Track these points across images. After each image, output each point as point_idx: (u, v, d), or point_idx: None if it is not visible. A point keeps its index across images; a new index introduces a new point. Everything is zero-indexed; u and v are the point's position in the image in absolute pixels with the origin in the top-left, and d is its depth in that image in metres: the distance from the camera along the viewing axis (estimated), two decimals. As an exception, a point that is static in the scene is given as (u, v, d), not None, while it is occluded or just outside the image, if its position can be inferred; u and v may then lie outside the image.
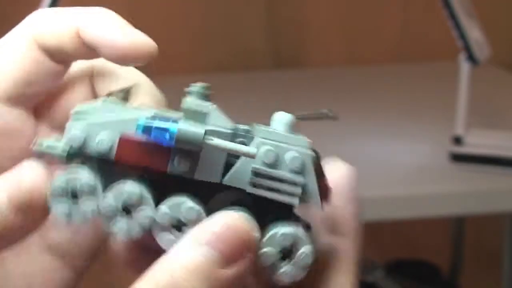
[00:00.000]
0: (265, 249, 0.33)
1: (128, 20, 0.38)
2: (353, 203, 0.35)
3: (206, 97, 0.34)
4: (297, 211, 0.34)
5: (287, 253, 0.33)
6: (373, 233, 1.89)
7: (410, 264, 1.71)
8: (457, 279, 1.75)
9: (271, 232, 0.33)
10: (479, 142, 1.13)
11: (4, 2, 1.71)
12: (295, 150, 0.33)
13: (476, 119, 1.26)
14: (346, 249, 0.34)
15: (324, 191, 0.34)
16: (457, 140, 1.14)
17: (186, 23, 1.80)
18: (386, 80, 1.72)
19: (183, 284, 0.30)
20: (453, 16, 1.08)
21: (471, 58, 1.09)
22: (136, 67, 0.39)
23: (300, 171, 0.33)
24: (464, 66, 1.11)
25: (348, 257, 0.34)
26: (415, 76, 1.75)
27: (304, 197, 0.33)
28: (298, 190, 0.33)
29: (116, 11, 0.37)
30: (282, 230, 0.33)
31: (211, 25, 1.81)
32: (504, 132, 1.18)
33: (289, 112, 0.34)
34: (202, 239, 0.31)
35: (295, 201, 0.33)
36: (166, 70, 1.82)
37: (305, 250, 0.33)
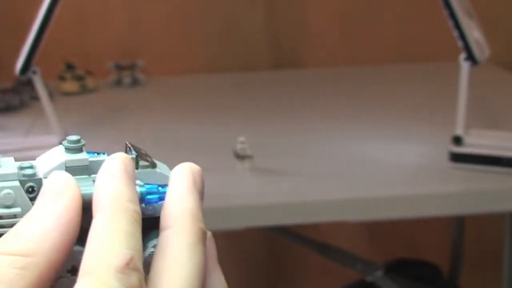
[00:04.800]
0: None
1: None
2: (190, 197, 0.35)
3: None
4: None
5: None
6: (373, 233, 1.89)
7: (410, 264, 1.71)
8: (457, 279, 1.75)
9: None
10: (479, 142, 1.13)
11: (4, 1, 1.71)
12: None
13: (476, 119, 1.26)
14: (170, 241, 0.33)
15: None
16: (457, 140, 1.14)
17: (186, 23, 1.80)
18: (386, 80, 1.72)
19: None
20: (453, 16, 1.08)
21: (471, 58, 1.09)
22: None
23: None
24: (464, 66, 1.11)
25: (173, 248, 0.33)
26: (415, 76, 1.75)
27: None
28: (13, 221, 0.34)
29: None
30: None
31: (211, 25, 1.81)
32: (504, 132, 1.18)
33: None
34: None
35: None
36: (166, 70, 1.83)
37: None
